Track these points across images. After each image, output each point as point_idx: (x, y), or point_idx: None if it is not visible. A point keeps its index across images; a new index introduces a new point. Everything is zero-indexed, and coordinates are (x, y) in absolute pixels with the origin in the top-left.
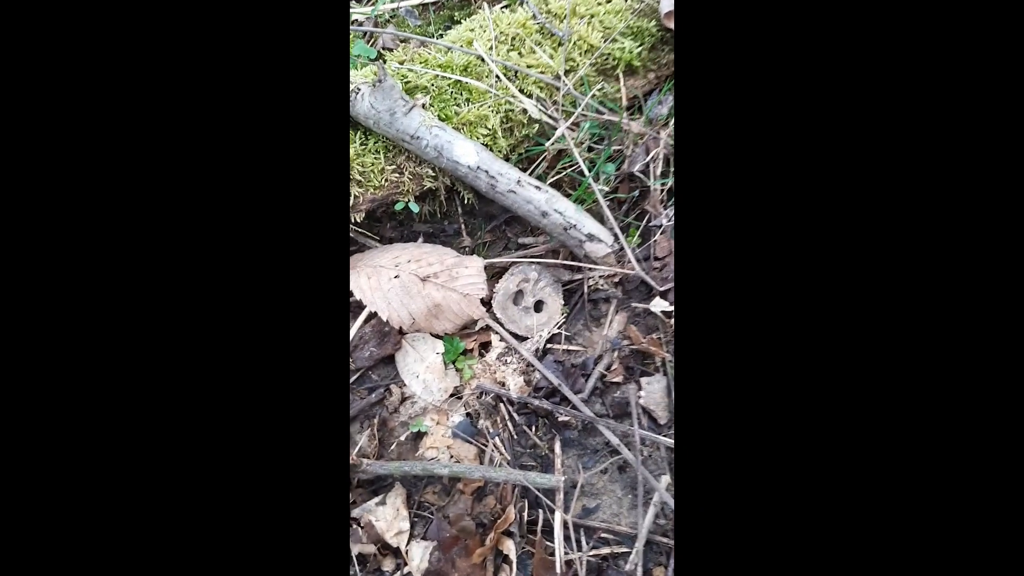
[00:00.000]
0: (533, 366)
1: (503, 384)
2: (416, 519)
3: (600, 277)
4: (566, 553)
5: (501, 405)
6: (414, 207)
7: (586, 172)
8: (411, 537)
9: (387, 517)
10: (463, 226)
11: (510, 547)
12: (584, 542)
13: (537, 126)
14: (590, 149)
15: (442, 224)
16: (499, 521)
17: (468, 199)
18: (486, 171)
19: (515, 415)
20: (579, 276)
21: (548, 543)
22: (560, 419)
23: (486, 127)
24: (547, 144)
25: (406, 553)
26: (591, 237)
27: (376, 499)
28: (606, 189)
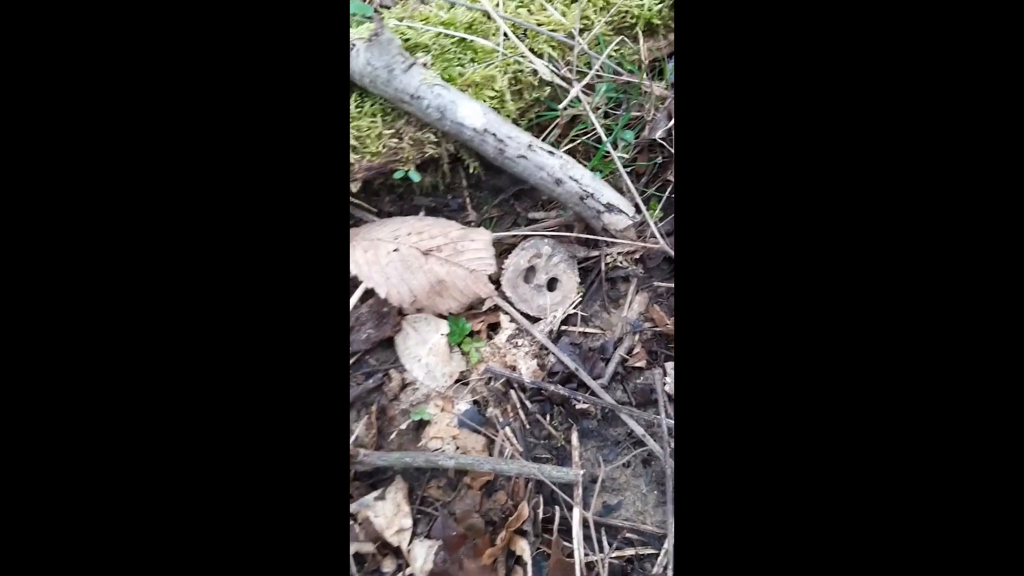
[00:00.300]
0: (546, 349)
1: (514, 368)
2: (419, 516)
3: (619, 254)
4: (586, 554)
5: (512, 391)
6: (414, 176)
7: (603, 137)
8: (413, 535)
9: (387, 513)
10: (468, 200)
11: (523, 547)
12: (606, 542)
13: (548, 89)
14: (606, 115)
15: (445, 198)
16: (511, 519)
17: (474, 168)
18: (494, 134)
19: (527, 402)
20: (595, 253)
21: (566, 543)
22: (578, 407)
23: (493, 89)
24: (560, 106)
25: (408, 553)
26: (610, 207)
27: (374, 493)
28: (625, 157)
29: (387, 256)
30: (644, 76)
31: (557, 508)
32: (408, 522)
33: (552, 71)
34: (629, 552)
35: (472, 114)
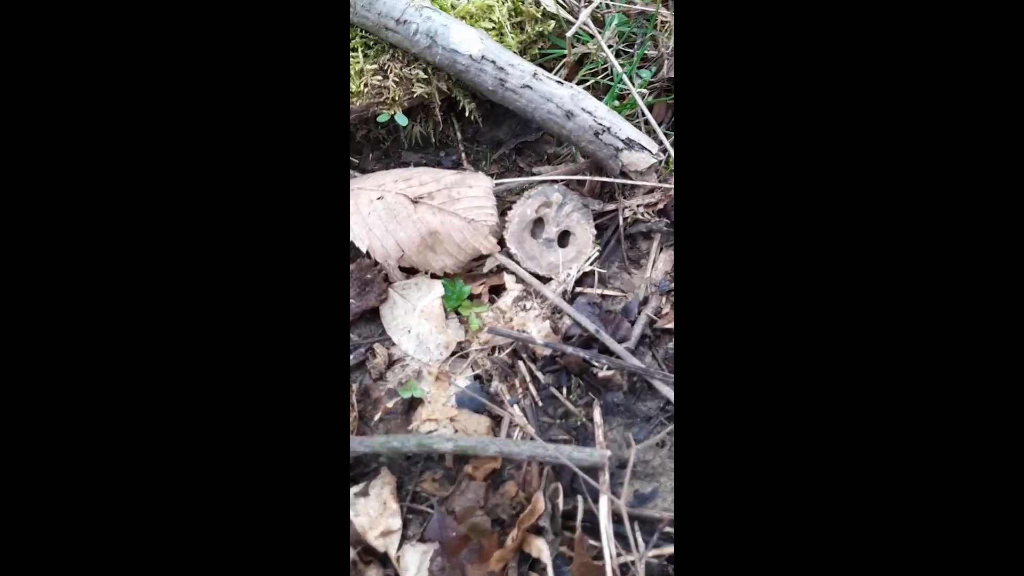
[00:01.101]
0: (559, 313)
1: (522, 331)
2: (410, 516)
3: (639, 206)
4: (618, 554)
5: (520, 363)
6: (401, 120)
7: (617, 68)
8: (403, 539)
9: (370, 512)
10: (463, 154)
11: (541, 548)
12: (641, 539)
13: (553, 23)
14: (618, 55)
15: (437, 155)
16: (523, 514)
17: (470, 111)
18: (492, 62)
19: (539, 374)
20: (611, 207)
21: (592, 542)
22: (600, 375)
23: (490, 20)
24: (568, 33)
25: (397, 560)
26: (630, 144)
27: (356, 488)
28: (645, 92)
29: (369, 205)
30: (660, 5)
31: (580, 499)
32: (397, 522)
33: (557, 2)
34: (670, 549)
35: (467, 39)
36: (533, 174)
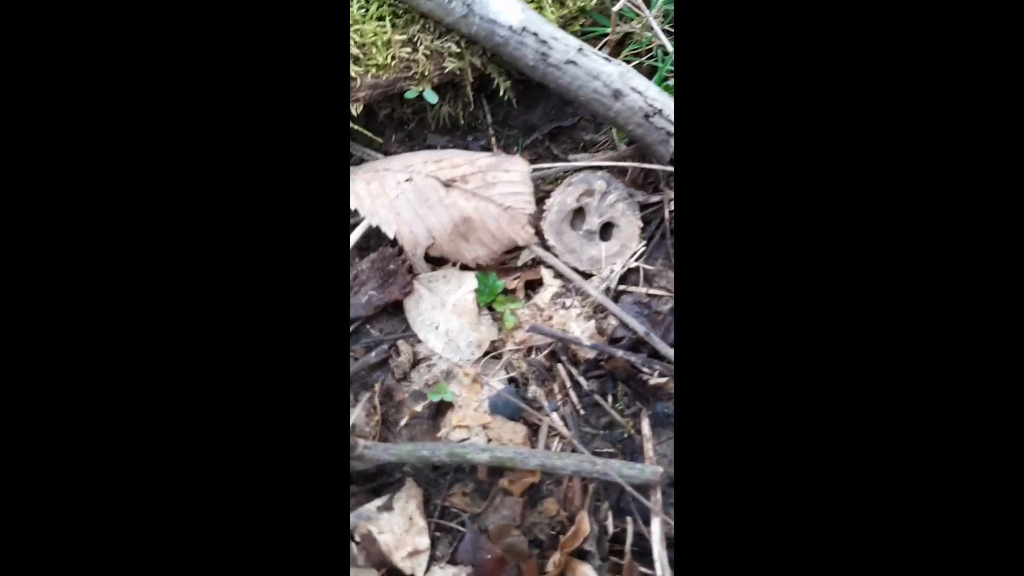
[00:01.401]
0: (602, 311)
1: (564, 331)
2: (438, 534)
3: None
4: None
5: (560, 366)
6: (431, 97)
7: (668, 46)
8: (432, 560)
9: (395, 528)
10: (493, 139)
11: (586, 574)
12: None
13: None
14: (665, 34)
15: (465, 139)
16: (566, 536)
17: (505, 91)
18: (535, 34)
19: (581, 379)
20: (656, 198)
21: (644, 569)
22: (650, 382)
23: None
24: (615, 8)
25: None
26: None
27: (378, 501)
28: None
29: (397, 187)
30: None
31: (630, 520)
32: (425, 541)
33: None
34: None
35: (507, 8)
36: (568, 162)
